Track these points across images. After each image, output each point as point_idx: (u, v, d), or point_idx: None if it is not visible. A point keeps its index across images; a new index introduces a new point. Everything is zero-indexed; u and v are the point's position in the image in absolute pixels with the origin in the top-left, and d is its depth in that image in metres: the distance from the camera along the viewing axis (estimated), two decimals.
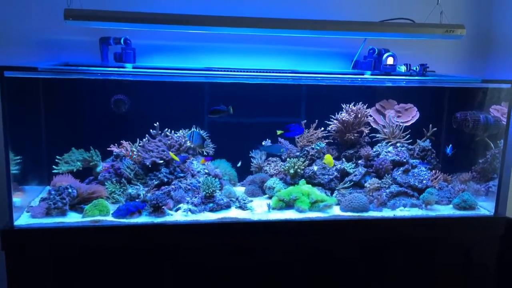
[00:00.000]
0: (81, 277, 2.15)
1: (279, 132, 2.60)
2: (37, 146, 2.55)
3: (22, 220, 2.16)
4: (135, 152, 2.52)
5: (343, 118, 2.71)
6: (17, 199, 2.15)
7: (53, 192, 2.23)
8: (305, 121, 2.74)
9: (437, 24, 2.49)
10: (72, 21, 2.15)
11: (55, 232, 2.10)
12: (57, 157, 2.52)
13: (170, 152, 2.43)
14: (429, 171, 2.62)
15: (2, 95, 1.98)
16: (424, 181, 2.55)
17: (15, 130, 2.09)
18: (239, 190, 2.66)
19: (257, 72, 2.42)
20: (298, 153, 2.72)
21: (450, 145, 2.67)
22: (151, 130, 2.58)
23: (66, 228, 2.12)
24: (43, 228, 2.11)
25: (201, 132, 2.70)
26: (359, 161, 2.69)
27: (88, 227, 2.14)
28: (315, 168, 2.61)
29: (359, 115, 2.71)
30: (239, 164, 2.76)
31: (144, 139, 2.56)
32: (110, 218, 2.21)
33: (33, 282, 2.11)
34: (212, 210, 2.34)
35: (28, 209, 2.24)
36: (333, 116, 2.75)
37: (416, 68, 2.62)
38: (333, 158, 2.70)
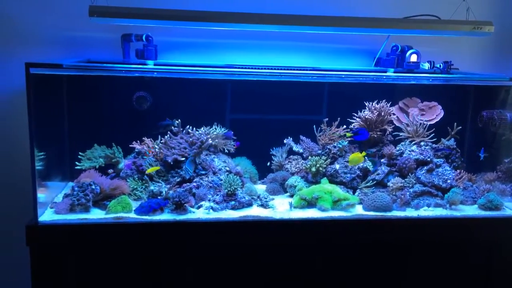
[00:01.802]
0: (104, 273, 2.16)
1: (348, 134, 2.61)
2: (60, 142, 2.57)
3: (46, 216, 2.17)
4: (156, 149, 2.52)
5: (366, 116, 2.67)
6: (41, 195, 2.16)
7: (76, 189, 2.24)
8: (327, 119, 2.72)
9: (464, 21, 2.44)
10: (97, 18, 2.15)
11: (79, 228, 2.11)
12: (80, 153, 2.53)
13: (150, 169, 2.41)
14: (453, 171, 2.57)
15: (28, 92, 1.99)
16: (449, 181, 2.51)
17: (40, 126, 2.10)
18: (260, 188, 2.65)
19: (279, 69, 2.40)
20: (320, 151, 2.70)
21: (482, 148, 2.61)
22: (173, 127, 2.58)
23: (90, 225, 2.13)
24: (67, 224, 2.11)
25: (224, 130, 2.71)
26: (382, 160, 2.66)
27: (111, 224, 2.14)
28: (337, 166, 2.59)
29: (383, 113, 2.67)
30: (268, 164, 2.77)
31: (166, 136, 2.55)
32: (132, 215, 2.21)
33: (57, 277, 2.12)
34: (234, 208, 2.33)
35: (52, 205, 2.25)
36: (355, 114, 2.72)
37: (440, 66, 2.59)
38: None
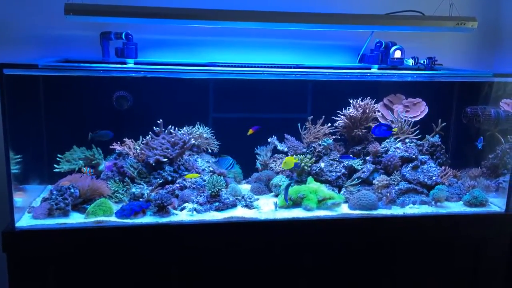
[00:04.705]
0: (85, 280, 2.10)
1: (394, 129, 2.62)
2: (37, 144, 2.50)
3: (24, 221, 2.10)
4: (137, 150, 2.47)
5: (351, 114, 2.65)
6: (18, 199, 2.10)
7: (55, 192, 2.17)
8: (311, 117, 2.68)
9: (447, 17, 2.43)
10: (73, 16, 2.09)
11: (57, 233, 2.05)
12: (58, 155, 2.46)
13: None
14: (438, 167, 2.56)
15: (2, 93, 1.92)
16: (434, 178, 2.50)
17: (15, 128, 2.03)
18: (245, 187, 2.61)
19: (262, 67, 2.37)
20: (304, 150, 2.66)
21: (481, 137, 2.58)
22: (154, 128, 2.52)
23: (69, 230, 2.06)
24: (45, 230, 2.05)
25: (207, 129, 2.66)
26: (367, 158, 2.64)
27: (91, 228, 2.08)
28: (322, 165, 2.56)
29: (367, 111, 2.65)
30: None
31: (147, 137, 2.50)
32: (113, 218, 2.15)
33: (36, 284, 2.06)
34: (218, 209, 2.29)
35: (30, 210, 2.19)
36: (340, 112, 2.69)
37: (424, 61, 2.58)
38: (340, 154, 2.65)
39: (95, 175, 2.45)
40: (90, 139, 2.52)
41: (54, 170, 2.42)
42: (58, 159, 2.46)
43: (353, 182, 2.52)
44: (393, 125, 2.65)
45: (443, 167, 2.59)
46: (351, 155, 2.63)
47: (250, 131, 2.56)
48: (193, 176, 2.40)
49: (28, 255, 2.04)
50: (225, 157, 2.44)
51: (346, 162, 2.58)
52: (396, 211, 2.37)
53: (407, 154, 2.57)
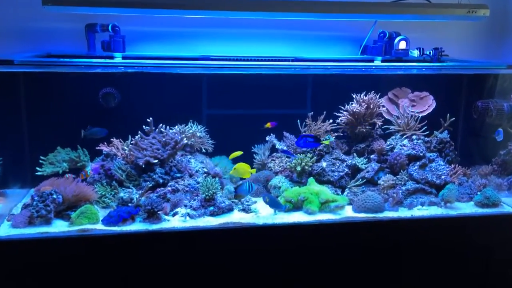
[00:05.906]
0: None
1: (325, 141, 2.47)
2: (19, 145, 2.38)
3: (2, 230, 1.96)
4: (126, 151, 2.32)
5: (354, 109, 2.51)
6: None
7: (36, 198, 2.01)
8: (312, 113, 2.55)
9: (457, 4, 2.30)
10: (51, 6, 1.95)
11: (38, 243, 1.91)
12: (41, 157, 2.33)
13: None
14: (447, 165, 2.43)
15: None
16: (443, 177, 2.37)
17: None
18: None
19: (259, 60, 2.25)
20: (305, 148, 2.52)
21: (501, 130, 2.45)
22: (144, 127, 2.38)
23: (51, 239, 1.92)
24: (25, 240, 1.91)
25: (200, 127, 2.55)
26: (372, 156, 2.51)
27: (75, 237, 1.94)
28: (324, 164, 2.42)
29: (371, 106, 2.52)
30: None
31: (136, 137, 2.36)
32: (100, 226, 2.01)
33: None
34: (213, 214, 2.15)
35: (9, 218, 2.04)
36: (342, 107, 2.56)
37: (430, 53, 2.47)
38: (343, 153, 2.52)
39: (81, 178, 2.30)
40: (83, 137, 2.40)
41: (37, 174, 2.28)
42: (41, 161, 2.32)
43: (357, 183, 2.39)
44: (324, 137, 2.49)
45: (452, 165, 2.48)
46: (291, 151, 2.48)
47: (268, 125, 2.49)
48: (237, 153, 2.34)
49: (7, 268, 1.90)
50: (242, 184, 2.26)
51: (350, 161, 2.44)
52: (403, 213, 2.26)
53: (414, 151, 2.44)
